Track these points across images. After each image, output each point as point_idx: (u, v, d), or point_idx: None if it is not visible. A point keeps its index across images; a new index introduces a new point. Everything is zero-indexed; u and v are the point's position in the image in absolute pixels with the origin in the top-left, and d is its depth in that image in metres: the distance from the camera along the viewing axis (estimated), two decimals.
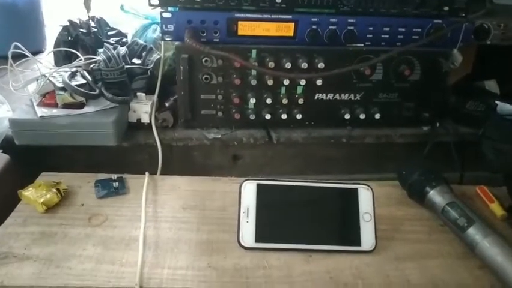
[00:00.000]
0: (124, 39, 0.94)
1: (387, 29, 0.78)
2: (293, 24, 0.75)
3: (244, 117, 0.81)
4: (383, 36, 0.78)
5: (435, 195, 0.65)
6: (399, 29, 0.78)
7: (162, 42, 0.85)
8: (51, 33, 1.26)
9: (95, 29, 0.91)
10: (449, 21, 0.78)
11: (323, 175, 0.89)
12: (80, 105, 0.77)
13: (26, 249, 0.56)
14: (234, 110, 0.81)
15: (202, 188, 0.71)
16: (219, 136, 0.81)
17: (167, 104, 0.84)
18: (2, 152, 0.73)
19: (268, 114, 0.81)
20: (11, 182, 0.69)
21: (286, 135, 0.83)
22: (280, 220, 0.60)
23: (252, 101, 0.79)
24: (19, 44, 0.76)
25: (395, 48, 0.77)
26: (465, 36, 0.79)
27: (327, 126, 0.85)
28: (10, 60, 0.77)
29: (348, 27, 0.76)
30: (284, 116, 0.81)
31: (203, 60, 0.76)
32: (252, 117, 0.81)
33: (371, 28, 0.77)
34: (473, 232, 0.58)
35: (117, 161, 0.82)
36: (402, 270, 0.57)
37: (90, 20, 0.93)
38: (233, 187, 0.70)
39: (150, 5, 0.73)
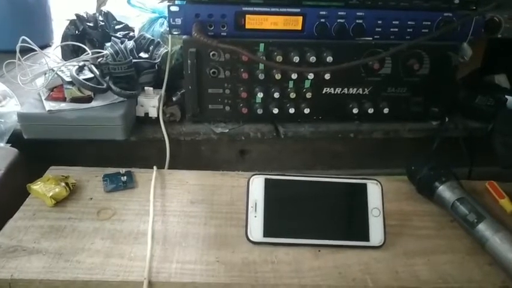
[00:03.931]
0: (131, 33, 0.93)
1: (396, 22, 0.77)
2: (301, 17, 0.75)
3: (251, 111, 0.81)
4: (392, 29, 0.77)
5: (445, 191, 0.64)
6: (409, 23, 0.77)
7: (169, 36, 0.84)
8: (58, 27, 1.27)
9: (102, 23, 0.91)
10: (459, 14, 0.77)
11: (331, 170, 0.89)
12: (88, 100, 0.77)
13: (36, 243, 0.56)
14: (241, 105, 0.80)
15: (209, 183, 0.71)
16: (227, 130, 0.81)
17: (174, 98, 0.84)
18: (10, 146, 0.73)
19: (275, 109, 0.80)
20: (20, 175, 0.69)
21: (293, 129, 0.83)
22: (289, 215, 0.60)
23: (260, 95, 0.79)
24: (27, 38, 0.76)
25: (404, 42, 0.76)
26: (475, 30, 0.78)
27: (335, 120, 0.84)
28: (18, 54, 0.77)
29: (357, 21, 0.76)
30: (292, 111, 0.81)
31: (210, 54, 0.76)
32: (260, 111, 0.81)
33: (379, 21, 0.76)
34: (483, 228, 0.58)
35: (125, 155, 0.82)
36: (411, 266, 0.56)
37: (97, 14, 0.93)
38: (241, 182, 0.70)
39: None
